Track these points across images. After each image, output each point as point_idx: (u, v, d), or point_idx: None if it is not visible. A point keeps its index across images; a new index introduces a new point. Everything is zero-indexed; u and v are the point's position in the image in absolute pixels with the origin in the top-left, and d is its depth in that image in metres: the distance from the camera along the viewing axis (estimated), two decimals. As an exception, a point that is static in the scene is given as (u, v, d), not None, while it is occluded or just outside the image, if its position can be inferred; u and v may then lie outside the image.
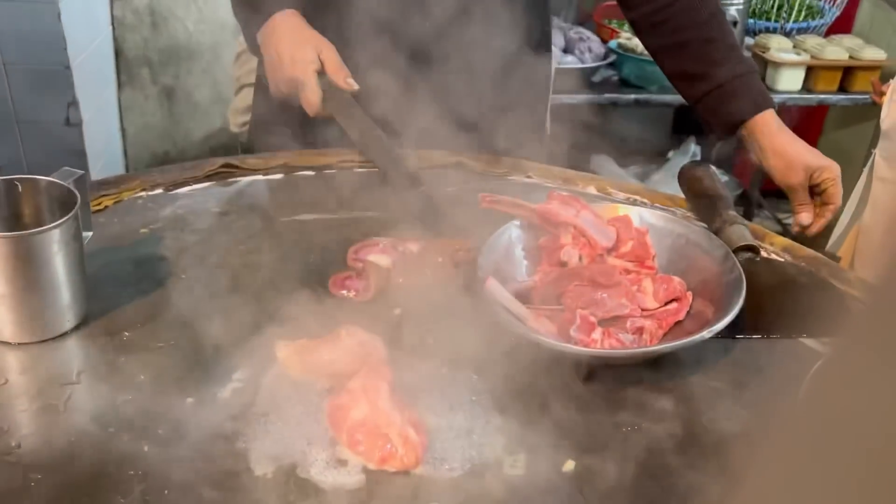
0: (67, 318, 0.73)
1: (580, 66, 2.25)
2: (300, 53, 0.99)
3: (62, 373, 0.70)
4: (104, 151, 2.39)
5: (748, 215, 2.88)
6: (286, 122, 1.13)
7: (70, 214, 0.70)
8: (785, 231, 2.82)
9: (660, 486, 0.63)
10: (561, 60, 2.26)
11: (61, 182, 0.74)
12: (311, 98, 0.99)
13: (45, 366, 0.71)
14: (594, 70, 2.28)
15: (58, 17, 2.02)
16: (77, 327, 0.75)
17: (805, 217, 0.97)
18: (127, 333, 0.75)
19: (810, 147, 1.00)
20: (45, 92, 2.12)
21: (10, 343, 0.72)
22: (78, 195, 0.72)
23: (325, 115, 1.02)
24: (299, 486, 0.61)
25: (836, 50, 2.26)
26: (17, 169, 2.16)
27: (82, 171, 0.75)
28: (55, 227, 0.69)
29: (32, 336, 0.72)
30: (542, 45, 1.19)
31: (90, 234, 0.79)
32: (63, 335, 0.74)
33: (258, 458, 0.63)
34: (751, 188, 2.82)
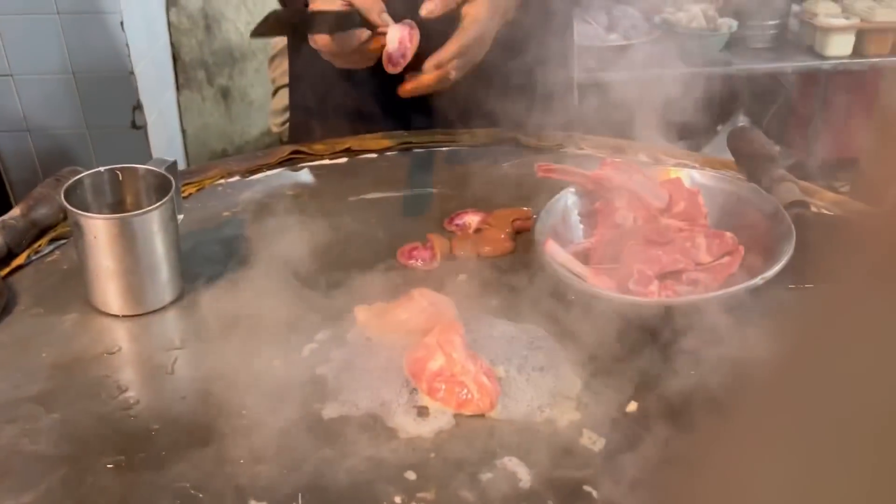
0: (167, 292, 0.81)
1: (624, 42, 2.27)
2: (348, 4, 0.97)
3: (167, 340, 0.78)
4: (167, 152, 2.51)
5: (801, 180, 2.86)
6: (321, 116, 1.19)
7: (167, 197, 0.78)
8: (840, 199, 2.79)
9: (716, 427, 0.68)
10: (604, 38, 2.29)
11: (156, 169, 0.81)
12: (360, 34, 0.94)
13: (152, 335, 0.79)
14: (639, 47, 2.30)
15: (121, 25, 2.13)
16: (175, 301, 0.82)
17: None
18: (218, 305, 0.83)
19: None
20: (111, 97, 2.23)
21: (118, 316, 0.80)
22: (172, 180, 0.80)
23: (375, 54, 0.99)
24: (386, 430, 0.67)
25: (888, 12, 2.23)
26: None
27: (174, 159, 0.83)
28: (155, 209, 0.77)
29: (137, 309, 0.80)
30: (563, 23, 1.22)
31: (181, 216, 0.86)
32: (163, 308, 0.81)
33: (347, 407, 0.69)
34: (804, 157, 2.80)
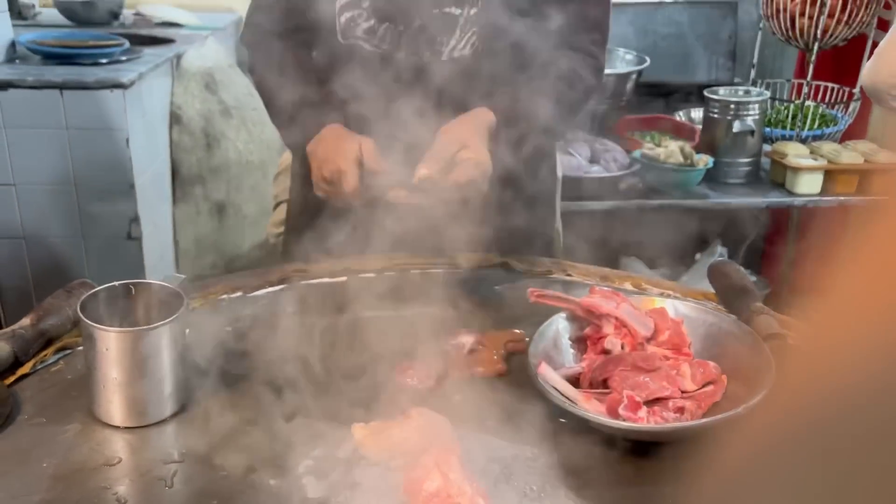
0: (169, 405, 0.83)
1: (606, 174, 2.39)
2: (342, 146, 1.11)
3: (167, 453, 0.79)
4: (159, 263, 2.55)
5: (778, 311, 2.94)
6: (314, 231, 1.26)
7: (178, 313, 0.81)
8: (816, 329, 2.86)
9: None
10: (587, 170, 2.41)
11: (168, 285, 0.85)
12: (349, 180, 1.08)
13: (152, 447, 0.80)
14: (619, 178, 2.42)
15: (126, 142, 2.22)
16: (176, 414, 0.84)
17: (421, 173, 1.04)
18: (217, 419, 0.84)
19: (483, 151, 1.07)
20: (110, 209, 2.29)
21: (119, 427, 0.81)
22: (184, 297, 0.83)
23: (362, 200, 1.11)
24: (383, 550, 0.68)
25: (852, 154, 2.38)
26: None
27: (184, 276, 0.87)
28: (166, 324, 0.80)
29: (140, 421, 0.82)
30: (546, 158, 1.33)
31: (188, 330, 0.89)
32: (164, 421, 0.83)
33: (344, 526, 0.70)
34: (778, 287, 2.90)
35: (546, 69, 1.17)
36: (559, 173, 2.08)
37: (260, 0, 1.27)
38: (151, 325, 0.80)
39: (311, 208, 1.24)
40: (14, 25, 2.38)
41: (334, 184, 1.10)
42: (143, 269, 2.38)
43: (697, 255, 2.91)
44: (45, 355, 0.91)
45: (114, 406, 0.81)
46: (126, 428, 0.81)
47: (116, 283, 0.86)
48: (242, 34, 1.30)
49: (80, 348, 0.86)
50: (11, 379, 0.87)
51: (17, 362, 0.88)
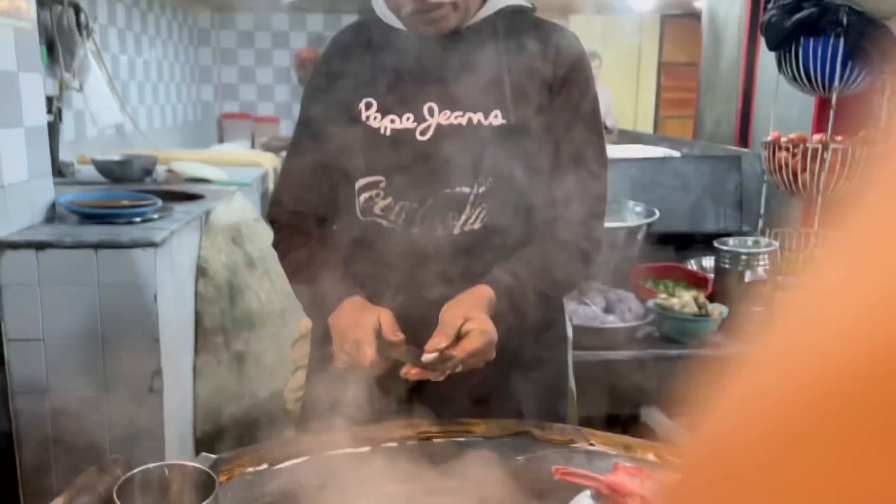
0: (198, 592, 0.83)
1: (622, 324, 2.42)
2: (361, 318, 1.17)
3: None
4: (178, 414, 2.55)
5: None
6: (333, 400, 1.29)
7: (211, 496, 0.83)
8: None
9: None
10: (603, 320, 2.44)
11: (202, 467, 0.87)
12: (367, 351, 1.12)
13: None
14: (636, 328, 2.45)
15: (154, 297, 2.29)
16: None
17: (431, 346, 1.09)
18: None
19: (487, 320, 1.12)
20: (134, 362, 2.33)
21: None
22: (216, 480, 0.85)
23: (379, 369, 1.15)
24: None
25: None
26: (100, 429, 2.31)
27: (217, 457, 0.89)
28: (199, 508, 0.81)
29: None
30: (554, 326, 1.38)
31: (217, 510, 0.90)
32: None
33: None
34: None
35: (548, 241, 1.24)
36: (569, 333, 2.12)
37: (287, 179, 1.36)
38: (185, 510, 0.81)
39: (330, 377, 1.28)
40: (55, 183, 2.52)
41: (353, 356, 1.14)
42: (161, 421, 2.38)
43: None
44: (75, 536, 0.92)
45: (142, 593, 0.81)
46: None
47: (151, 465, 0.88)
48: (269, 212, 1.39)
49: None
50: (42, 563, 0.87)
51: (47, 545, 0.89)
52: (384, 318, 1.17)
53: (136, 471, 0.86)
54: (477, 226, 1.24)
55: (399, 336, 1.15)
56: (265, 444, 1.17)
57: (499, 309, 1.17)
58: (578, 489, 0.95)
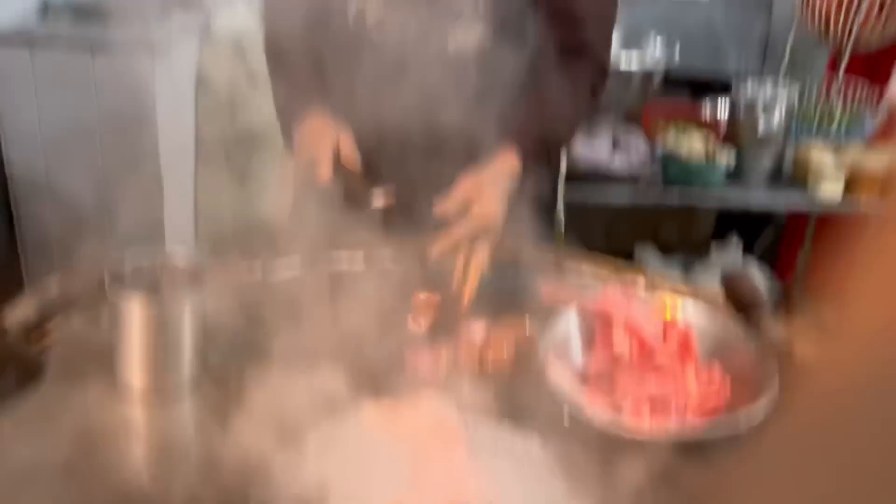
0: (188, 373, 0.86)
1: (626, 166, 2.39)
2: (319, 136, 1.14)
3: (184, 421, 0.82)
4: (179, 227, 2.58)
5: (789, 313, 2.93)
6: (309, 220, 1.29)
7: (200, 284, 0.84)
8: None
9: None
10: (608, 159, 2.41)
11: (190, 257, 0.88)
12: (324, 171, 1.12)
13: (170, 415, 0.83)
14: (640, 170, 2.42)
15: (153, 104, 2.24)
16: (195, 383, 0.87)
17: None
18: (233, 389, 0.87)
19: (497, 196, 1.10)
20: (134, 171, 2.32)
21: (141, 393, 0.85)
22: (206, 271, 0.86)
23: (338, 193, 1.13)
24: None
25: (878, 159, 2.36)
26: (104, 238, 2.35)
27: (207, 247, 0.89)
28: (189, 296, 0.82)
29: (160, 387, 0.85)
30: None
31: (207, 301, 0.92)
32: (184, 389, 0.86)
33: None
34: (792, 289, 2.89)
35: (550, 73, 1.18)
36: (562, 167, 2.09)
37: None
38: (175, 295, 0.82)
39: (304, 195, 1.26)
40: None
41: (309, 172, 1.13)
42: (163, 235, 2.41)
43: (713, 248, 2.91)
44: (71, 318, 0.94)
45: (136, 373, 0.84)
46: (147, 394, 0.84)
47: (142, 252, 0.88)
48: (261, 16, 1.32)
49: (106, 313, 0.89)
50: (37, 341, 0.90)
51: (42, 324, 0.91)
52: (343, 141, 1.15)
53: (126, 256, 0.87)
54: (473, 43, 1.17)
55: (356, 165, 1.13)
56: (261, 248, 1.17)
57: (519, 170, 1.14)
58: (564, 309, 0.96)
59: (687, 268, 2.83)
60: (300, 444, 0.80)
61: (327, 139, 1.14)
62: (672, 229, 3.12)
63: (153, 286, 0.88)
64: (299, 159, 1.16)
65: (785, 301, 2.92)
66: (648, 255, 2.80)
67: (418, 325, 1.02)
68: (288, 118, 1.23)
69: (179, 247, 0.91)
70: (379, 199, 1.12)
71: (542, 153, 1.17)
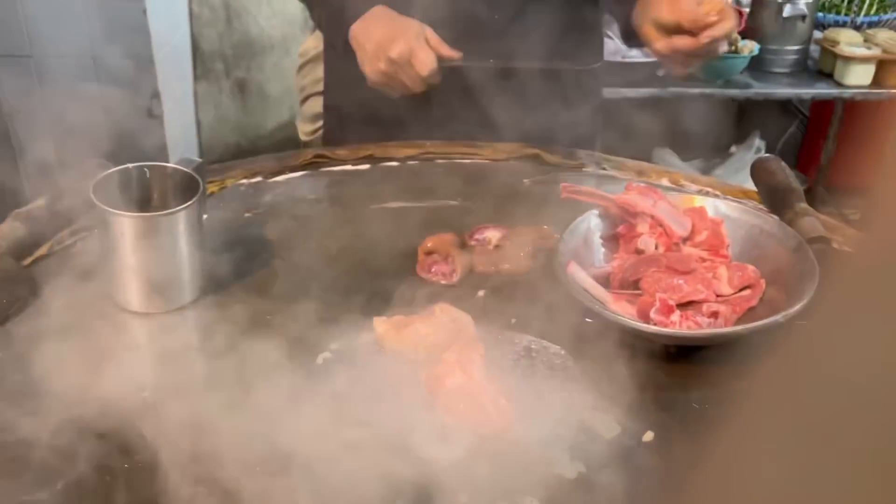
0: (188, 292, 0.81)
1: (644, 59, 2.27)
2: (407, 28, 1.02)
3: (186, 340, 0.78)
4: (181, 142, 2.51)
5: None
6: (356, 123, 1.19)
7: (195, 198, 0.78)
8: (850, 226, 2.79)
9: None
10: (625, 54, 2.28)
11: (184, 168, 0.82)
12: (427, 59, 1.01)
13: (171, 334, 0.79)
14: (658, 64, 2.30)
15: (143, 13, 2.13)
16: (195, 301, 0.83)
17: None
18: (237, 307, 0.83)
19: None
20: (130, 84, 2.23)
21: (138, 313, 0.80)
22: (200, 181, 0.80)
23: (433, 83, 1.05)
24: (401, 447, 0.67)
25: (908, 44, 2.23)
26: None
27: (201, 160, 0.83)
28: (182, 210, 0.77)
29: (159, 307, 0.80)
30: (593, 37, 1.24)
31: (205, 216, 0.86)
32: (183, 307, 0.82)
33: (361, 419, 0.69)
34: (815, 183, 2.80)
35: None
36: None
37: None
38: (168, 211, 0.77)
39: (355, 98, 1.16)
40: None
41: (402, 66, 1.01)
42: (165, 148, 2.35)
43: (733, 148, 2.81)
44: (63, 237, 0.89)
45: (131, 292, 0.79)
46: (145, 314, 0.80)
47: (130, 165, 0.82)
48: None
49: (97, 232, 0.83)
50: (28, 261, 0.85)
51: (33, 244, 0.86)
52: (429, 31, 1.03)
53: (113, 170, 0.81)
54: None
55: (450, 52, 1.02)
56: (259, 157, 1.11)
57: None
58: (585, 209, 0.90)
59: (706, 172, 2.74)
60: (309, 361, 0.76)
61: (414, 27, 1.02)
62: (691, 132, 3.01)
63: (143, 200, 0.82)
64: (381, 54, 1.02)
65: (808, 197, 2.85)
66: (666, 158, 2.70)
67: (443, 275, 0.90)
68: (335, 17, 1.11)
69: (178, 159, 0.84)
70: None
71: None
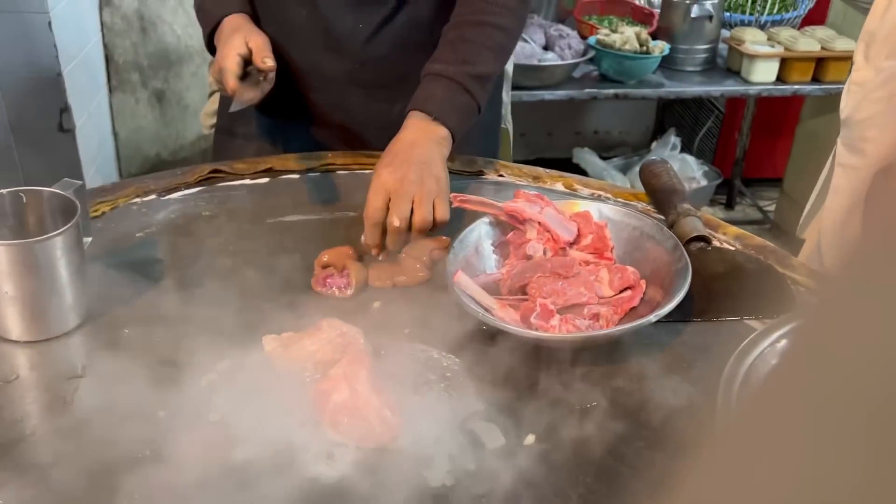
0: (71, 317, 0.80)
1: (560, 62, 2.31)
2: (229, 42, 1.02)
3: (68, 368, 0.77)
4: (97, 156, 2.45)
5: (730, 203, 2.96)
6: (244, 125, 1.19)
7: (71, 223, 0.76)
8: (765, 218, 2.90)
9: (612, 457, 0.70)
10: (541, 57, 2.32)
11: (62, 192, 0.80)
12: (229, 81, 0.99)
13: (52, 362, 0.77)
14: (574, 66, 2.34)
15: (48, 25, 2.07)
16: (80, 326, 0.81)
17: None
18: (125, 330, 0.82)
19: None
20: (38, 99, 2.17)
21: (18, 342, 0.78)
22: (78, 205, 0.78)
23: (245, 99, 1.01)
24: (286, 466, 0.67)
25: (809, 41, 2.33)
26: (14, 175, 2.21)
27: (81, 182, 0.82)
28: (58, 235, 0.75)
29: (39, 335, 0.78)
30: None
31: (90, 239, 0.85)
32: (67, 333, 0.80)
33: (248, 439, 0.69)
34: (731, 177, 2.90)
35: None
36: (509, 69, 1.99)
37: None
38: (43, 237, 0.75)
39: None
40: None
41: (220, 82, 1.02)
42: (78, 161, 2.28)
43: (653, 145, 2.88)
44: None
45: (10, 320, 0.77)
46: (25, 342, 0.78)
47: (4, 190, 0.80)
48: None
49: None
50: None
51: None
52: (254, 42, 1.01)
53: (-14, 198, 0.79)
54: None
55: (268, 62, 1.00)
56: (153, 174, 1.09)
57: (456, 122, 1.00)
58: (478, 217, 0.92)
59: (626, 169, 2.80)
60: (196, 382, 0.75)
61: (235, 44, 1.01)
62: (610, 131, 3.08)
63: (19, 226, 0.80)
64: (214, 70, 1.04)
65: (726, 190, 2.93)
66: (586, 157, 2.76)
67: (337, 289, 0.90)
68: (206, 22, 1.10)
69: (58, 182, 0.83)
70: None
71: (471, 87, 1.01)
